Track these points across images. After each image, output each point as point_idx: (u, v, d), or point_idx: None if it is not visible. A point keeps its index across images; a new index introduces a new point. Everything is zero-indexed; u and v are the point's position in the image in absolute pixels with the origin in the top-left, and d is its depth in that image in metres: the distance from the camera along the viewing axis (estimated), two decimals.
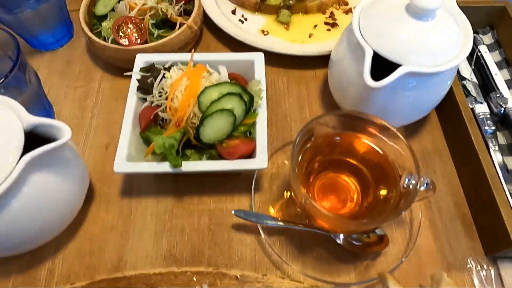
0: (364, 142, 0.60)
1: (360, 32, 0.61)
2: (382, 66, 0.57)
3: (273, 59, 0.81)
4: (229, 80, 0.66)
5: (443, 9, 0.61)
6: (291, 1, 0.87)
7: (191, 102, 0.60)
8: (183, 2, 0.82)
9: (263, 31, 0.87)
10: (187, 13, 0.83)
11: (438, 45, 0.57)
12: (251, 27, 0.88)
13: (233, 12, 0.90)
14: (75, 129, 0.75)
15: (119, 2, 0.77)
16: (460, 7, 0.84)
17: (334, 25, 0.88)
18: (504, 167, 0.66)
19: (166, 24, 0.80)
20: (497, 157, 0.66)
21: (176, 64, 0.68)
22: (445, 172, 0.69)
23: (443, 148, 0.72)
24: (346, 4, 0.92)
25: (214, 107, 0.60)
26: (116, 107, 0.78)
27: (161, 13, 0.78)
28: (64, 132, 0.49)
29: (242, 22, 0.89)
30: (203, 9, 0.86)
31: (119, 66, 0.79)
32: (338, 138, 0.62)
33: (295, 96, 0.80)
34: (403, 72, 0.55)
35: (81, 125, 0.76)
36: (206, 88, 0.61)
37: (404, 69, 0.55)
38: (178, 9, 0.81)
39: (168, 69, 0.67)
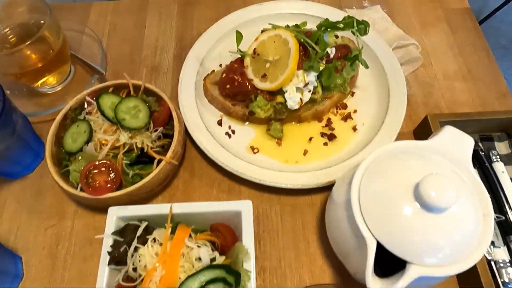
0: None
1: (361, 212, 0.52)
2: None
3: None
4: (209, 261, 0.57)
5: (457, 176, 0.52)
6: (282, 115, 0.78)
7: None
8: (162, 127, 0.74)
9: (252, 148, 0.78)
10: (168, 136, 0.74)
11: (453, 240, 0.48)
12: (239, 142, 0.79)
13: (219, 123, 0.82)
14: (45, 283, 0.68)
15: (87, 142, 0.69)
16: (475, 120, 0.76)
17: (331, 137, 0.79)
18: None
19: (144, 156, 0.71)
20: None
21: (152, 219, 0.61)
22: None
23: None
24: (345, 107, 0.83)
25: None
26: (91, 254, 0.70)
27: (136, 149, 0.70)
28: None
29: (229, 136, 0.80)
30: (185, 125, 0.78)
31: (93, 205, 0.71)
32: None
33: (289, 231, 0.72)
34: (414, 276, 0.47)
35: (52, 279, 0.68)
36: (186, 278, 0.53)
37: (414, 272, 0.47)
38: (157, 135, 0.73)
39: (142, 238, 0.59)
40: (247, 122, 0.82)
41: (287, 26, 0.89)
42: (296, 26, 0.84)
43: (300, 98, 0.76)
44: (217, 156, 0.74)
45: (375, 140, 0.76)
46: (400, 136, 0.77)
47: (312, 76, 0.75)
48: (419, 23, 0.98)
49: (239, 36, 0.80)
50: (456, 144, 0.56)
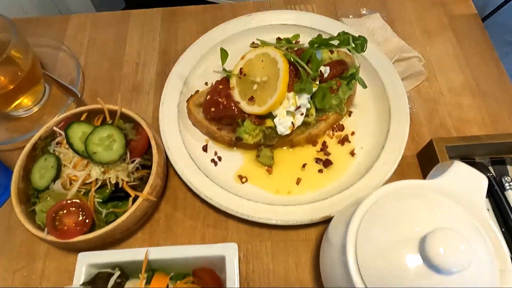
0: None
1: (357, 263, 0.45)
2: None
3: None
4: None
5: (470, 226, 0.45)
6: (272, 141, 0.71)
7: None
8: (139, 157, 0.67)
9: (240, 177, 0.71)
10: (147, 167, 0.68)
11: None
12: (226, 170, 0.72)
13: (204, 149, 0.75)
14: None
15: (55, 180, 0.62)
16: (487, 144, 0.69)
17: (327, 163, 0.72)
18: None
19: (120, 191, 0.65)
20: None
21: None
22: None
23: None
24: (341, 129, 0.76)
25: None
26: None
27: (109, 184, 0.63)
28: None
29: (216, 163, 0.73)
30: (166, 154, 0.71)
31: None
32: None
33: (281, 271, 0.65)
34: None
35: None
36: None
37: None
38: (134, 166, 0.66)
39: None
40: (235, 147, 0.75)
41: (278, 40, 0.83)
42: (288, 41, 0.77)
43: (292, 122, 0.68)
44: (201, 189, 0.67)
45: (375, 167, 0.69)
46: (403, 160, 0.69)
47: (304, 99, 0.67)
48: (422, 32, 0.91)
49: (224, 54, 0.73)
50: (467, 184, 0.49)
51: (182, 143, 0.73)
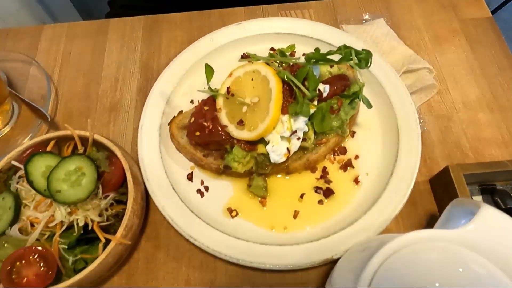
0: None
1: None
2: None
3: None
4: None
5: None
6: (265, 169, 0.62)
7: None
8: (114, 192, 0.59)
9: (230, 210, 0.63)
10: (123, 202, 0.59)
11: None
12: (214, 202, 0.64)
13: (190, 177, 0.66)
14: None
15: (12, 224, 0.54)
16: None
17: (328, 192, 0.63)
18: None
19: (91, 231, 0.56)
20: None
21: None
22: None
23: None
24: (344, 152, 0.67)
25: None
26: None
27: (77, 227, 0.54)
28: None
29: (202, 194, 0.65)
30: (145, 185, 0.63)
31: None
32: None
33: None
34: None
35: None
36: None
37: None
38: (108, 203, 0.58)
39: None
40: (223, 175, 0.66)
41: (271, 52, 0.75)
42: (282, 53, 0.69)
43: (287, 149, 0.60)
44: (185, 227, 0.59)
45: (384, 197, 0.60)
46: (414, 186, 0.61)
47: (301, 122, 0.59)
48: (431, 38, 0.82)
49: (209, 71, 0.65)
50: (497, 234, 0.41)
51: (164, 172, 0.65)
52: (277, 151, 0.59)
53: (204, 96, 0.69)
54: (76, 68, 0.82)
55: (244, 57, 0.76)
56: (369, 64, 0.57)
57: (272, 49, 0.77)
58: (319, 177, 0.65)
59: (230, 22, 0.80)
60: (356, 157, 0.67)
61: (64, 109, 0.78)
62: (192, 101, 0.73)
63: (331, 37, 0.76)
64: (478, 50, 0.80)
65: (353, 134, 0.69)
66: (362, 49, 0.56)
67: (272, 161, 0.60)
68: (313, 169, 0.66)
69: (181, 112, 0.69)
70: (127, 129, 0.74)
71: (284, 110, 0.58)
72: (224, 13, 0.87)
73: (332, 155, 0.67)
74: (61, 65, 0.83)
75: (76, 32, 0.87)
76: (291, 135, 0.59)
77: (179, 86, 0.74)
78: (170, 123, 0.68)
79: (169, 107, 0.72)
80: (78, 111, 0.77)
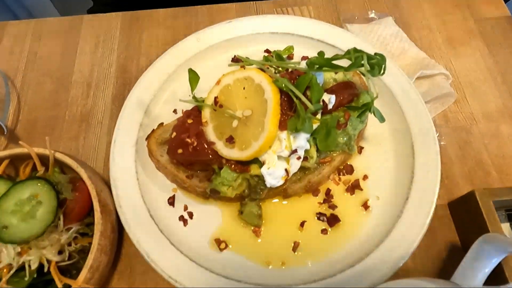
0: None
1: None
2: None
3: None
4: None
5: None
6: (260, 194, 0.53)
7: None
8: (75, 224, 0.49)
9: (218, 242, 0.53)
10: (90, 235, 0.50)
11: None
12: (199, 232, 0.54)
13: (171, 202, 0.57)
14: None
15: None
16: None
17: (333, 220, 0.54)
18: None
19: (45, 275, 0.46)
20: None
21: None
22: None
23: None
24: (350, 171, 0.58)
25: None
26: None
27: (28, 271, 0.45)
28: None
29: (185, 222, 0.55)
30: (117, 214, 0.53)
31: None
32: None
33: None
34: None
35: None
36: None
37: None
38: (70, 236, 0.48)
39: None
40: (210, 199, 0.57)
41: (266, 54, 0.65)
42: (279, 56, 0.59)
43: (286, 170, 0.51)
44: (164, 266, 0.49)
45: (398, 228, 0.51)
46: None
47: (302, 139, 0.50)
48: (445, 40, 0.73)
49: (193, 77, 0.55)
50: None
51: (140, 196, 0.55)
52: (273, 174, 0.49)
53: (189, 106, 0.59)
54: (43, 72, 0.72)
55: (235, 60, 0.66)
56: (383, 71, 0.47)
57: (267, 51, 0.68)
58: (322, 201, 0.56)
59: (220, 20, 0.70)
60: (365, 177, 0.58)
61: (27, 119, 0.67)
62: (175, 111, 0.64)
63: (334, 38, 0.67)
64: (497, 53, 0.71)
65: (360, 150, 0.60)
66: (375, 53, 0.47)
67: (268, 185, 0.50)
68: (315, 192, 0.57)
69: (161, 124, 0.59)
70: (100, 143, 0.64)
71: (282, 126, 0.48)
72: (213, 10, 0.77)
73: (337, 175, 0.58)
74: (25, 68, 0.73)
75: (44, 30, 0.77)
76: (290, 154, 0.50)
77: (160, 93, 0.64)
78: (148, 138, 0.58)
79: (147, 118, 0.62)
80: (44, 121, 0.67)
